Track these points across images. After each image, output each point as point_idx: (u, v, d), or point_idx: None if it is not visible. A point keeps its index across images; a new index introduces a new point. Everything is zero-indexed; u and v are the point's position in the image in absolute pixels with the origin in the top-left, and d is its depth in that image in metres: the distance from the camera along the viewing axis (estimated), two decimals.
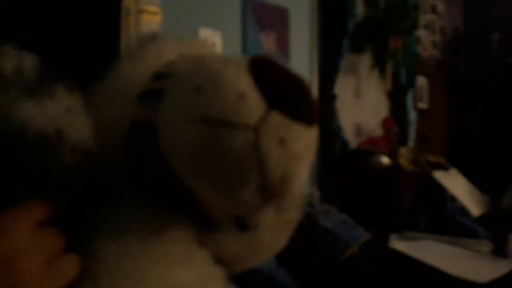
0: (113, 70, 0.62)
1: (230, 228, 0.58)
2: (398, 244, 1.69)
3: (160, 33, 0.68)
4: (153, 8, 1.74)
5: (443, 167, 2.34)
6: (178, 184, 0.54)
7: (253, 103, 0.49)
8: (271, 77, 0.52)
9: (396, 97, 2.80)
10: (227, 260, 0.59)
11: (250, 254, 0.62)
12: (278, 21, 2.25)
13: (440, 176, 2.21)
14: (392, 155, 2.21)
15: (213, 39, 2.01)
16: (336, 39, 2.40)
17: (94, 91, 0.61)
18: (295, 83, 0.52)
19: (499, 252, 1.65)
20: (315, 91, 2.38)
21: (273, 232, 0.63)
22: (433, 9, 3.27)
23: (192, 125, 0.51)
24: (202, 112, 0.50)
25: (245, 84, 0.50)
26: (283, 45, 2.25)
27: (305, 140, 0.51)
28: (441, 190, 2.23)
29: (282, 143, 0.49)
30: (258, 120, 0.49)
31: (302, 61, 2.36)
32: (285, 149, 0.50)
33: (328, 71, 2.39)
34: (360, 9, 2.61)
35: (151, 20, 1.73)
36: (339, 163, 2.29)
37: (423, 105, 3.12)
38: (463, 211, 2.26)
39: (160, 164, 0.54)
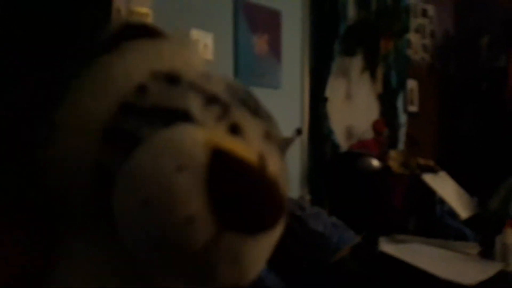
0: (73, 103, 0.58)
1: None
2: (387, 246, 1.70)
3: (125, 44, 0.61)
4: (144, 9, 1.74)
5: (432, 170, 2.36)
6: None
7: (202, 228, 0.46)
8: (229, 189, 0.48)
9: (387, 100, 2.82)
10: None
11: None
12: (270, 23, 2.25)
13: (429, 179, 2.23)
14: (382, 157, 2.22)
15: (205, 41, 2.00)
16: (328, 41, 2.41)
17: (55, 124, 0.58)
18: (259, 190, 0.49)
19: (486, 254, 1.67)
20: (306, 93, 2.39)
21: None
22: (424, 13, 3.30)
23: (140, 232, 0.49)
24: (147, 227, 0.48)
25: (195, 205, 0.46)
26: (275, 47, 2.25)
27: (264, 246, 0.51)
28: (430, 192, 2.25)
29: (235, 260, 0.48)
30: (207, 243, 0.47)
31: (293, 63, 2.36)
32: (238, 265, 0.49)
33: (319, 74, 2.40)
34: (352, 12, 2.62)
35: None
36: (330, 166, 2.30)
37: (413, 108, 3.15)
38: (452, 213, 2.28)
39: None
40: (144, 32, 0.62)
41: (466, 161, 3.13)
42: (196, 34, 1.94)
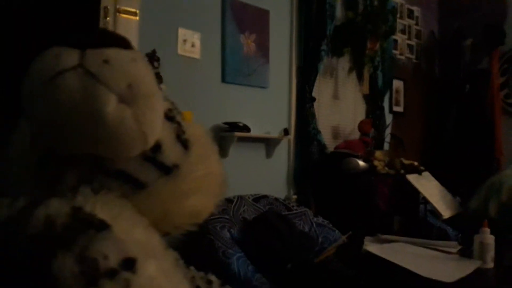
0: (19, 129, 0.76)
1: (158, 178, 0.72)
2: (372, 246, 1.72)
3: None
4: (132, 8, 1.72)
5: (416, 170, 2.38)
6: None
7: (67, 53, 0.66)
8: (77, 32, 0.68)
9: (373, 101, 2.84)
10: (156, 215, 0.73)
11: (174, 203, 0.75)
12: (258, 22, 2.25)
13: (413, 179, 2.26)
14: (368, 158, 2.24)
15: (192, 40, 2.00)
16: (315, 42, 2.42)
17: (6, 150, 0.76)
18: (101, 29, 0.74)
19: (466, 252, 1.71)
20: (294, 93, 2.40)
21: (194, 181, 0.77)
22: (410, 14, 3.33)
23: (38, 93, 0.65)
24: (39, 80, 0.65)
25: (55, 49, 0.66)
26: (263, 46, 2.25)
27: (126, 56, 0.68)
28: (414, 193, 2.27)
29: (106, 62, 0.66)
30: (78, 60, 0.65)
31: (281, 63, 2.37)
32: (112, 65, 0.66)
33: (307, 74, 2.41)
34: (339, 13, 2.63)
35: (130, 19, 1.70)
36: (316, 166, 2.31)
37: (399, 108, 3.19)
38: (435, 213, 2.31)
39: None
40: None
41: (450, 161, 3.18)
42: (183, 33, 1.93)
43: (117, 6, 1.66)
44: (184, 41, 1.94)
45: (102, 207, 0.66)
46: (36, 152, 0.71)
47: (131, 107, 0.66)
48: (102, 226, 0.62)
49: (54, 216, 0.62)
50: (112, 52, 0.67)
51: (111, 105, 0.64)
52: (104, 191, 0.68)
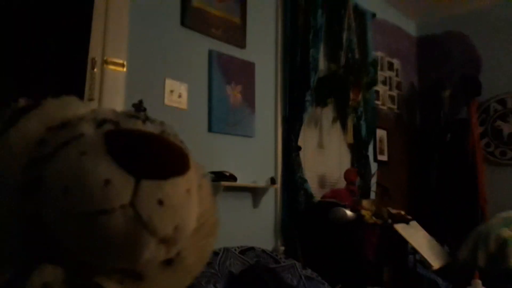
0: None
1: (157, 271, 0.66)
2: None
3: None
4: (119, 60, 1.74)
5: (404, 220, 2.37)
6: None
7: (120, 184, 0.55)
8: (131, 149, 0.57)
9: (358, 150, 2.87)
10: None
11: (178, 281, 0.70)
12: (244, 74, 2.30)
13: (401, 229, 2.24)
14: (355, 207, 2.22)
15: (179, 91, 2.02)
16: (300, 92, 2.47)
17: None
18: (158, 146, 0.60)
19: None
20: (279, 142, 2.41)
21: (195, 259, 0.72)
22: (390, 66, 3.46)
23: (70, 220, 0.56)
24: (75, 209, 0.55)
25: (105, 169, 0.55)
26: (249, 97, 2.29)
27: (182, 189, 0.60)
28: (402, 242, 2.25)
29: (161, 203, 0.57)
30: (130, 196, 0.55)
31: (267, 113, 2.40)
32: (166, 207, 0.57)
33: (292, 124, 2.43)
34: (322, 65, 2.71)
35: (117, 70, 1.72)
36: (303, 216, 2.28)
37: (383, 157, 3.22)
38: (424, 263, 2.28)
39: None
40: (30, 107, 0.73)
41: (435, 210, 3.18)
42: (170, 83, 1.96)
43: (105, 58, 1.68)
44: (171, 91, 1.96)
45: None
46: (24, 218, 0.61)
47: (168, 246, 0.61)
48: None
49: (51, 284, 0.56)
50: (169, 188, 0.57)
51: (150, 248, 0.58)
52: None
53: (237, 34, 2.26)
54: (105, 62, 1.68)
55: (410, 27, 3.81)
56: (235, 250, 1.78)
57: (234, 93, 2.22)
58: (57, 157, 0.59)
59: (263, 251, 1.87)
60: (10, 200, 0.62)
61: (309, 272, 1.89)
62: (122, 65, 1.74)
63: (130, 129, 0.62)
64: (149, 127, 0.68)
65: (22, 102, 0.72)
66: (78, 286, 0.59)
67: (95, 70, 1.61)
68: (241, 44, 2.28)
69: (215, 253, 1.69)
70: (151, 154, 0.58)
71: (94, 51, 1.66)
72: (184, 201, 0.61)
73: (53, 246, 0.59)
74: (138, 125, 0.67)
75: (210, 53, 2.13)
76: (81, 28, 1.65)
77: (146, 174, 0.56)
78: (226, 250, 1.74)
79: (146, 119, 0.70)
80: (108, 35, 1.71)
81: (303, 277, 1.84)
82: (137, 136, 0.60)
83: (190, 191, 0.62)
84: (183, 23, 2.02)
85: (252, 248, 1.84)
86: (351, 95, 2.74)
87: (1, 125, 0.69)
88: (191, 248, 0.71)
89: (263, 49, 2.42)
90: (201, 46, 2.10)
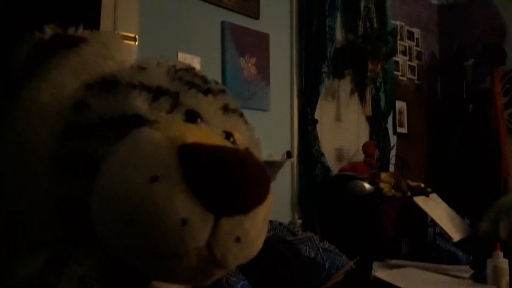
0: (14, 141, 0.54)
1: None
2: (380, 272, 1.66)
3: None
4: (131, 34, 1.72)
5: (423, 192, 2.33)
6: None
7: (198, 225, 0.44)
8: (212, 178, 0.45)
9: (376, 122, 2.82)
10: None
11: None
12: (258, 46, 2.25)
13: (420, 201, 2.21)
14: (374, 180, 2.19)
15: (192, 64, 1.98)
16: (316, 64, 2.41)
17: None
18: (242, 173, 0.47)
19: (478, 277, 1.65)
20: (295, 116, 2.38)
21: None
22: (410, 36, 3.35)
23: (131, 252, 0.47)
24: (140, 247, 0.45)
25: (182, 205, 0.44)
26: (263, 70, 2.24)
27: (260, 219, 0.49)
28: (422, 215, 2.22)
29: (238, 240, 0.47)
30: (208, 237, 0.45)
31: (282, 86, 2.36)
32: (243, 244, 0.48)
33: (308, 96, 2.39)
34: (339, 35, 2.64)
35: (129, 45, 1.70)
36: (320, 190, 2.26)
37: (402, 129, 3.16)
38: (444, 236, 2.25)
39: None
40: (61, 43, 0.58)
41: (456, 182, 3.12)
42: (183, 57, 1.93)
43: (116, 32, 1.65)
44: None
45: None
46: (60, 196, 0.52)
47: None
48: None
49: (90, 278, 0.50)
50: (248, 224, 0.48)
51: (218, 276, 0.51)
52: None
53: (250, 4, 2.20)
54: None
55: None
56: None
57: (248, 66, 2.18)
58: (113, 168, 0.47)
59: (280, 223, 1.87)
60: (42, 176, 0.52)
61: (326, 244, 1.88)
62: (134, 39, 1.71)
63: (209, 145, 0.47)
64: (209, 99, 0.56)
65: (49, 30, 0.58)
66: (119, 280, 0.52)
67: None
68: (255, 15, 2.22)
69: None
70: (235, 185, 0.46)
71: (105, 25, 1.63)
72: (261, 232, 0.51)
73: (94, 238, 0.50)
74: (198, 98, 0.55)
75: (223, 24, 2.08)
76: (91, 2, 1.63)
77: (227, 210, 0.46)
78: None
79: (208, 90, 0.58)
80: (118, 8, 1.68)
81: (320, 250, 1.83)
82: (219, 158, 0.46)
83: (267, 217, 0.52)
84: None
85: (269, 221, 1.84)
86: (370, 66, 2.67)
87: (21, 69, 0.56)
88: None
89: (277, 19, 2.36)
90: (213, 17, 2.05)
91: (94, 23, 1.58)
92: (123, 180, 0.46)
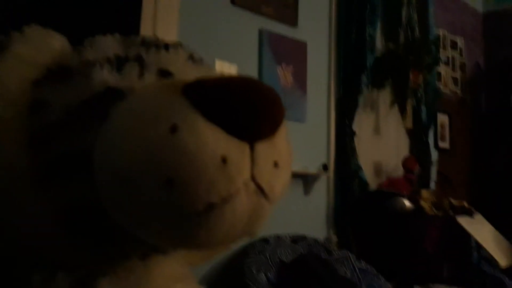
0: None
1: None
2: None
3: None
4: (169, 40, 1.70)
5: (467, 212, 2.20)
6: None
7: (238, 157, 0.41)
8: (231, 107, 0.42)
9: (417, 135, 2.70)
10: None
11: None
12: (295, 54, 2.19)
13: (464, 222, 2.08)
14: (414, 197, 2.08)
15: (229, 72, 1.95)
16: (355, 73, 2.33)
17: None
18: (257, 94, 0.43)
19: None
20: (332, 127, 2.30)
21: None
22: (453, 45, 3.21)
23: (173, 220, 0.42)
24: (190, 207, 0.40)
25: (215, 144, 0.40)
26: (300, 79, 2.18)
27: (285, 139, 0.47)
28: (465, 237, 2.09)
29: (276, 165, 0.44)
30: (250, 168, 0.42)
31: (319, 96, 2.28)
32: (281, 168, 0.45)
33: (346, 107, 2.31)
34: (379, 44, 2.55)
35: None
36: (358, 205, 2.16)
37: (444, 144, 3.01)
38: (489, 260, 2.12)
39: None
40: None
41: (502, 202, 2.95)
42: (220, 64, 1.89)
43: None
44: (221, 73, 1.89)
45: None
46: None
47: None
48: None
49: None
50: (280, 144, 0.45)
51: (267, 215, 0.47)
52: None
53: (288, 12, 2.15)
54: None
55: (476, 2, 3.50)
56: (287, 238, 1.72)
57: (285, 74, 2.12)
58: (112, 141, 0.43)
59: (316, 240, 1.80)
60: (21, 192, 0.48)
61: (363, 264, 1.79)
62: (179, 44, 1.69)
63: (211, 78, 0.44)
64: (172, 55, 0.52)
65: None
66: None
67: None
68: (293, 22, 2.17)
69: (266, 241, 1.64)
70: (258, 106, 0.42)
71: (145, 31, 1.62)
72: (290, 152, 0.49)
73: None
74: (163, 56, 0.51)
75: (261, 32, 2.04)
76: (132, 8, 1.62)
77: (260, 133, 0.43)
78: (278, 237, 1.68)
79: (167, 46, 0.53)
80: (158, 14, 1.67)
81: (357, 270, 1.75)
82: (231, 86, 0.43)
83: (287, 138, 0.49)
84: (233, 2, 1.94)
85: (304, 237, 1.77)
86: (411, 77, 2.57)
87: None
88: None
89: (315, 27, 2.30)
90: (251, 25, 2.01)
91: (134, 29, 1.57)
92: (143, 151, 0.41)
